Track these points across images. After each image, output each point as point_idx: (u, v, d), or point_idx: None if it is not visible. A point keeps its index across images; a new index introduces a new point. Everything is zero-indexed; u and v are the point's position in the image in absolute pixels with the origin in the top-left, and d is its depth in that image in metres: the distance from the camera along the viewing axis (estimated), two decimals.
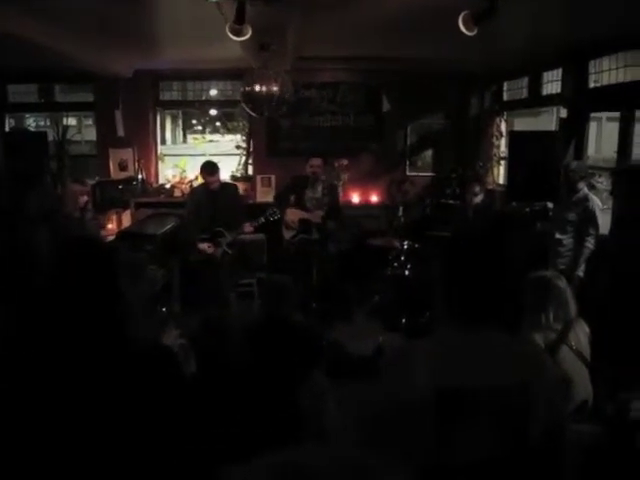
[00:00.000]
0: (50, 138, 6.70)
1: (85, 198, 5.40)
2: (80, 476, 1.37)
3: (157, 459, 1.45)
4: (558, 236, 4.81)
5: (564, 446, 1.45)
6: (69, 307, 1.46)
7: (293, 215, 5.97)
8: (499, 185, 7.11)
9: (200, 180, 7.12)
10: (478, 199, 5.90)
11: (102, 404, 1.39)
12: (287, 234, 6.03)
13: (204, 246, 5.63)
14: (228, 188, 6.03)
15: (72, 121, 8.98)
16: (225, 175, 7.03)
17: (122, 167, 7.30)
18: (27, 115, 8.82)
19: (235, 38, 3.76)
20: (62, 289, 1.49)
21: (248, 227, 5.67)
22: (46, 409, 1.38)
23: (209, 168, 5.67)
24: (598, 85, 5.36)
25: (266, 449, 0.91)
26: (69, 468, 1.36)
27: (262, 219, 5.64)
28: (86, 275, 1.49)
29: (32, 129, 8.38)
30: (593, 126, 7.49)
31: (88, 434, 1.37)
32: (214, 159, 6.12)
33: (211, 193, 5.73)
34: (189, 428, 1.56)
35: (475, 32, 3.51)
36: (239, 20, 3.54)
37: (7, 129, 7.58)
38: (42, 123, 9.77)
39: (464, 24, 3.48)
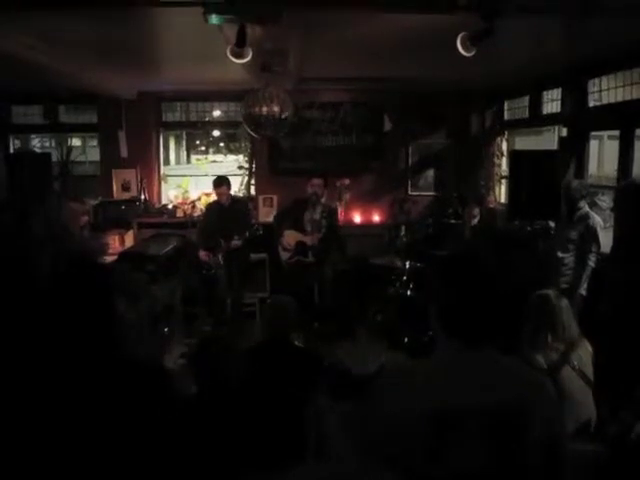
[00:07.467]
0: (54, 159, 6.75)
1: (86, 218, 5.44)
2: None
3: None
4: (560, 255, 4.80)
5: (563, 466, 1.44)
6: (65, 326, 1.46)
7: (290, 237, 5.97)
8: (500, 204, 7.12)
9: (204, 199, 7.24)
10: (476, 220, 5.93)
11: (93, 422, 1.39)
12: (284, 255, 6.03)
13: (203, 254, 6.09)
14: (238, 204, 6.48)
15: (77, 142, 9.05)
16: None
17: (125, 187, 7.37)
18: (33, 136, 8.89)
19: (236, 60, 3.79)
20: (59, 310, 1.49)
21: (235, 241, 5.99)
22: (36, 425, 1.37)
23: (215, 181, 6.18)
24: (598, 104, 5.38)
25: (268, 471, 0.90)
26: None
27: (247, 234, 5.98)
28: (83, 296, 1.50)
29: (38, 150, 8.43)
30: (594, 144, 7.52)
31: (77, 452, 1.37)
32: None
33: (222, 208, 6.18)
34: (184, 449, 1.55)
35: (473, 53, 3.54)
36: (240, 43, 3.57)
37: (12, 150, 7.65)
38: (47, 144, 9.85)
39: (462, 45, 3.51)
